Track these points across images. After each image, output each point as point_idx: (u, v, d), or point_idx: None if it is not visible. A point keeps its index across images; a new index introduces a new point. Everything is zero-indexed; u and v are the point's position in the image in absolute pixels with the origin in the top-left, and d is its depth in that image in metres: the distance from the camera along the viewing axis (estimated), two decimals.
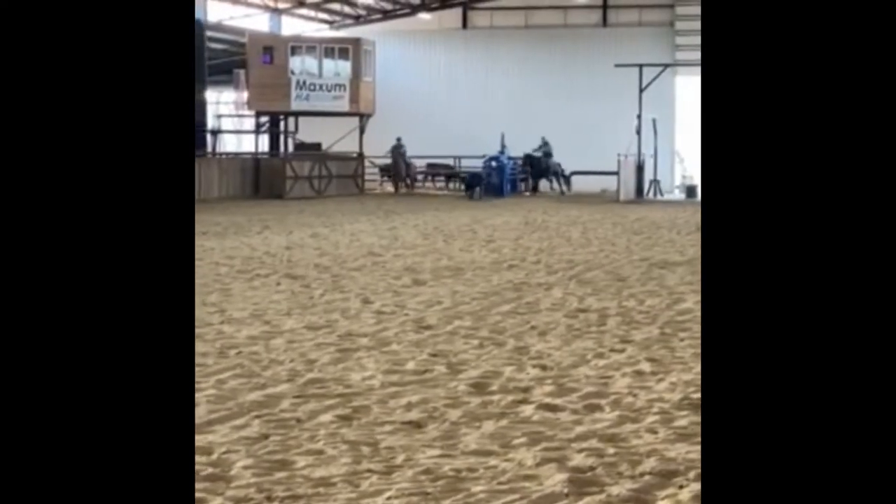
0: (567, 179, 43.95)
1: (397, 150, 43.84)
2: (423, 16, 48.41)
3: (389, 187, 46.31)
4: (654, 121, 42.18)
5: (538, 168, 43.79)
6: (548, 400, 8.03)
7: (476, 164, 42.92)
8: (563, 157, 43.82)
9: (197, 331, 10.94)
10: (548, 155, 43.76)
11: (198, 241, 21.40)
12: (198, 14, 41.76)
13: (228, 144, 47.59)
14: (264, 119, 44.83)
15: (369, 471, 6.19)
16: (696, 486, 5.93)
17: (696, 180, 42.44)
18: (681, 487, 5.94)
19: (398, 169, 44.65)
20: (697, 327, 11.41)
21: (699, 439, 6.92)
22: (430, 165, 46.25)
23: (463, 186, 41.92)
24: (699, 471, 6.20)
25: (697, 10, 44.62)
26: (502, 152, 42.49)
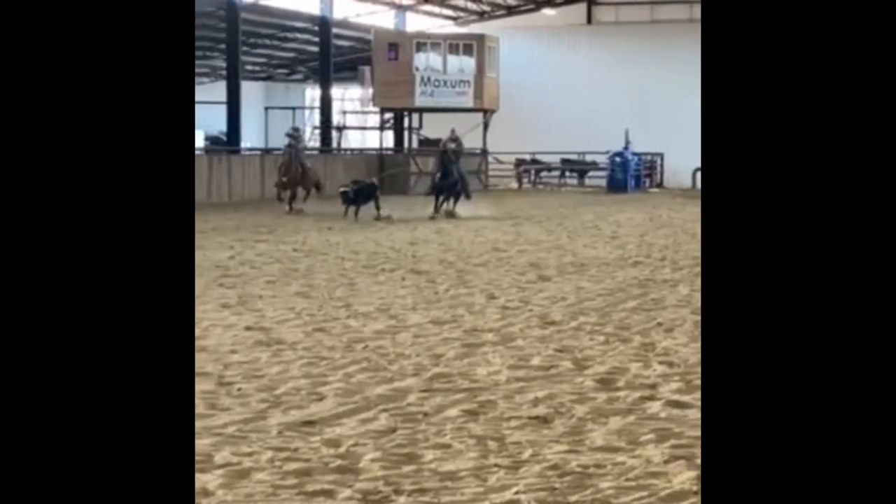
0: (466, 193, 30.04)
1: (293, 147, 30.84)
2: (548, 11, 48.28)
3: (514, 183, 45.92)
4: None
5: (450, 177, 29.40)
6: (675, 397, 7.97)
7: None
8: (689, 155, 43.27)
9: (324, 325, 11.07)
10: (457, 154, 30.25)
11: (323, 236, 21.65)
12: (324, 11, 42.26)
13: (353, 141, 47.92)
14: (388, 115, 45.01)
15: (496, 465, 6.19)
16: None
17: None
18: None
19: (292, 173, 30.30)
20: None
21: None
22: (563, 161, 46.01)
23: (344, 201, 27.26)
24: None
25: None
26: (626, 148, 42.23)
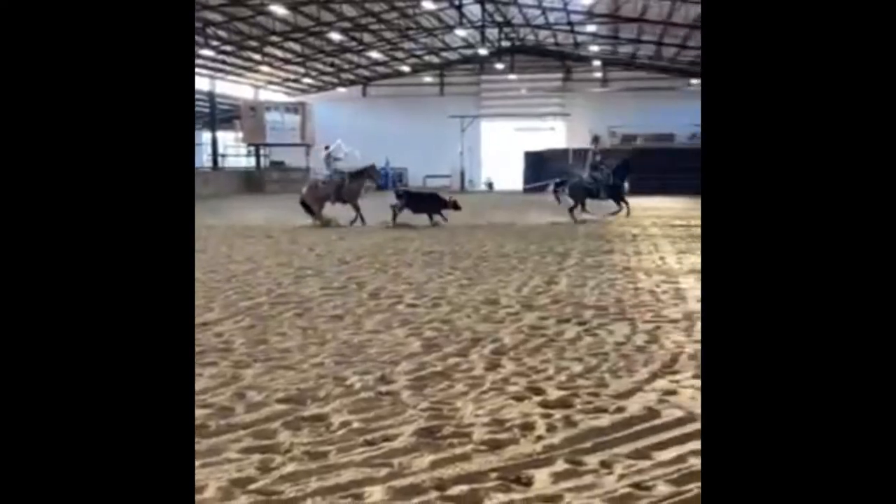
0: None
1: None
2: (341, 89, 47.71)
3: None
4: (470, 148, 42.50)
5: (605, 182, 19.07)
6: (412, 301, 8.02)
7: None
8: (421, 168, 43.50)
9: (214, 267, 10.69)
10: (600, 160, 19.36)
11: (214, 219, 20.74)
12: (211, 88, 40.56)
13: (231, 162, 46.30)
14: (251, 148, 43.73)
15: (312, 343, 6.12)
16: (493, 346, 5.97)
17: (493, 180, 43.00)
18: (483, 347, 5.99)
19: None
20: (495, 259, 11.51)
21: (497, 319, 6.99)
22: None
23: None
24: (494, 338, 6.25)
25: (496, 84, 44.80)
26: (387, 164, 42.11)
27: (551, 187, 19.88)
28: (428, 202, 19.04)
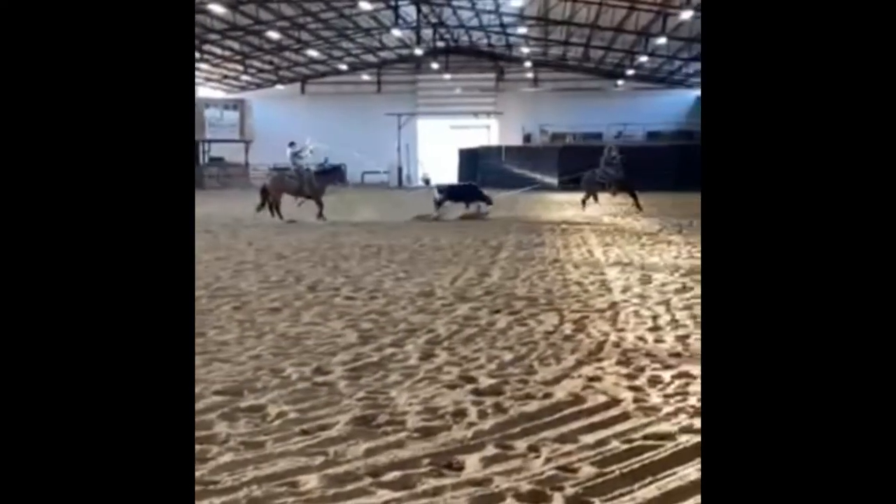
0: None
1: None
2: (280, 87, 47.01)
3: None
4: (407, 145, 42.40)
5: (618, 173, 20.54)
6: (349, 294, 7.97)
7: None
8: (357, 166, 43.19)
9: None
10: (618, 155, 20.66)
11: None
12: None
13: None
14: None
15: (249, 336, 6.01)
16: (428, 337, 5.96)
17: (430, 176, 43.04)
18: (418, 338, 5.98)
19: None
20: (430, 252, 11.53)
21: (432, 311, 6.99)
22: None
23: None
24: (428, 329, 6.25)
25: (431, 83, 44.81)
26: (326, 161, 41.59)
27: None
28: (466, 192, 20.29)
